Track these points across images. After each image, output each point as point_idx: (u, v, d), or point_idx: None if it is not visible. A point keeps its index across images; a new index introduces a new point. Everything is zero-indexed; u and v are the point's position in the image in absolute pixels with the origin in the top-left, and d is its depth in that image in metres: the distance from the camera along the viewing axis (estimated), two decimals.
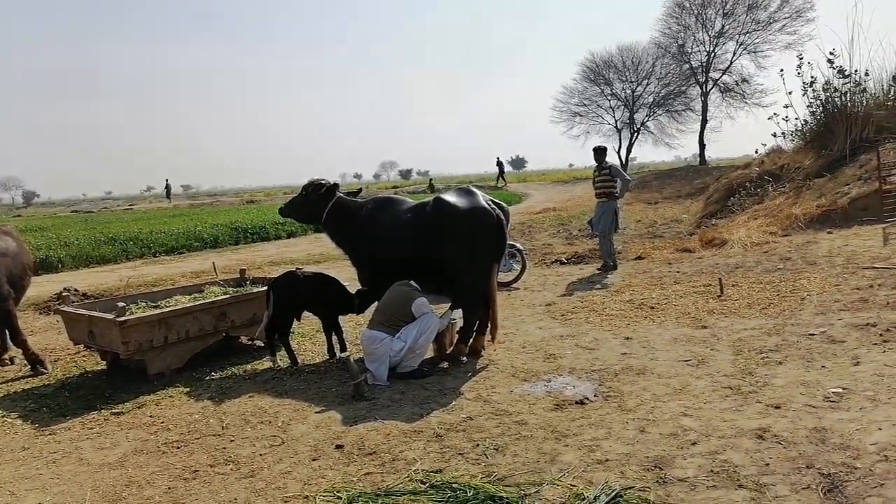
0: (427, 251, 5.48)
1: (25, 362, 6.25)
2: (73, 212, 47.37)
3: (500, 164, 44.30)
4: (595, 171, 10.25)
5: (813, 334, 5.38)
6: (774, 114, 15.77)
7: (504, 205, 5.77)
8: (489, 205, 5.56)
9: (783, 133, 15.93)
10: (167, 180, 51.63)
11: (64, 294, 8.46)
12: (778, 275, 7.82)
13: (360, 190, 6.51)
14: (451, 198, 5.58)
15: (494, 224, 5.49)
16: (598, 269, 9.82)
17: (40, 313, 9.37)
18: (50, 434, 4.57)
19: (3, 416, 4.99)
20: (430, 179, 47.95)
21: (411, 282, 5.42)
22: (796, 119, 15.42)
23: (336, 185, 6.15)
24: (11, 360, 6.65)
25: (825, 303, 6.29)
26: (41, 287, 10.90)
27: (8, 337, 6.45)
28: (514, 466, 3.52)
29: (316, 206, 6.04)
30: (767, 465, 3.25)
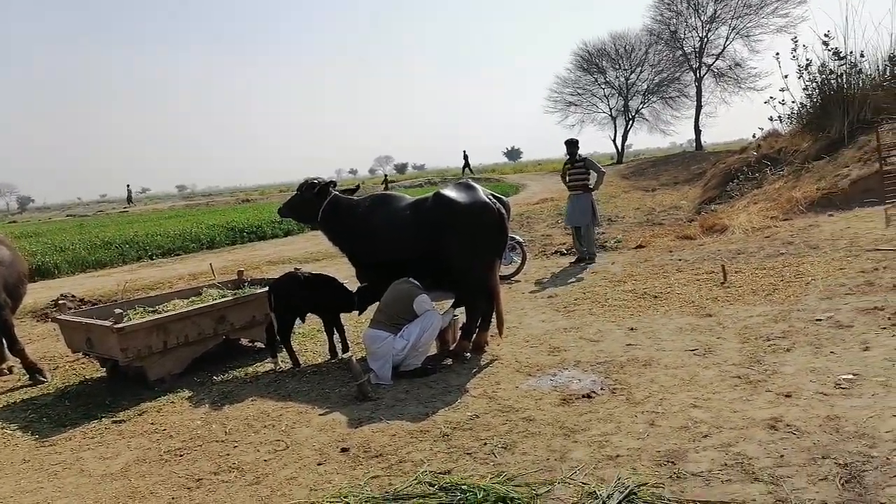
0: (427, 247, 5.40)
1: (24, 371, 6.17)
2: (68, 216, 47.15)
3: (465, 156, 46.00)
4: (567, 164, 10.21)
5: (820, 320, 5.32)
6: (771, 97, 15.70)
7: (504, 198, 5.69)
8: (489, 199, 5.48)
9: (780, 116, 15.88)
10: (128, 185, 54.49)
11: (60, 301, 8.36)
12: (781, 260, 7.76)
13: (358, 187, 6.42)
14: (450, 193, 5.49)
15: (495, 218, 5.41)
16: (572, 263, 9.78)
17: (38, 321, 9.28)
18: (51, 445, 4.49)
19: (2, 428, 4.92)
20: (385, 175, 48.80)
21: (412, 279, 5.34)
22: (793, 102, 15.40)
23: (331, 184, 6.05)
24: (10, 369, 6.57)
25: (830, 287, 6.23)
26: (38, 294, 10.81)
27: (6, 346, 6.37)
28: (524, 465, 3.46)
29: (312, 205, 5.95)
30: (782, 456, 3.19)
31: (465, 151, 45.90)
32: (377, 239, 5.63)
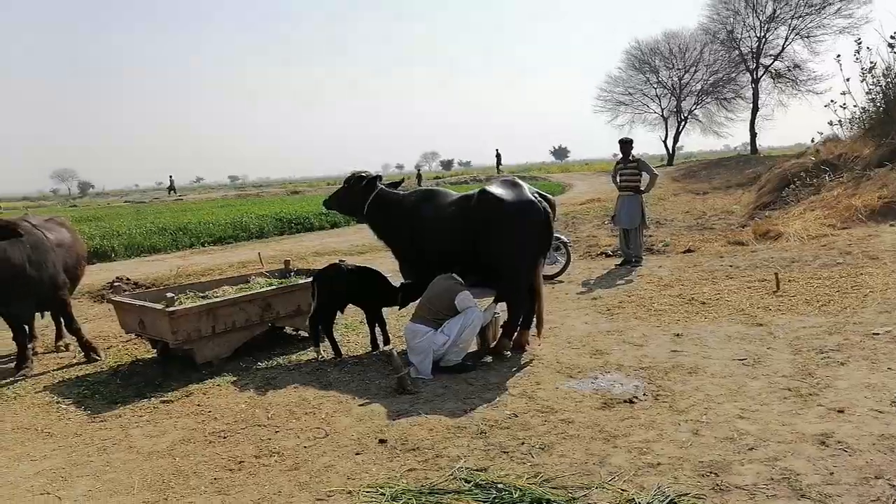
0: (471, 244, 5.40)
1: (80, 349, 6.42)
2: (125, 202, 48.89)
3: (498, 155, 48.49)
4: (619, 164, 10.04)
5: (877, 334, 5.11)
6: (831, 101, 15.11)
7: (550, 197, 5.63)
8: (535, 197, 5.43)
9: (840, 121, 15.26)
10: (171, 176, 56.50)
11: (115, 284, 8.67)
12: (837, 270, 7.47)
13: (403, 181, 6.45)
14: (496, 190, 5.47)
15: (540, 217, 5.36)
16: (618, 265, 9.63)
17: (94, 301, 9.64)
18: (101, 421, 4.66)
19: (57, 402, 5.13)
20: (418, 170, 49.44)
21: (454, 275, 5.34)
22: (854, 106, 14.76)
23: (378, 177, 6.10)
24: (67, 346, 6.85)
25: (890, 300, 5.97)
26: (95, 276, 11.22)
27: (63, 325, 6.64)
28: (562, 467, 3.42)
29: (358, 198, 6.01)
30: (832, 474, 3.08)
31: (497, 150, 47.98)
32: (422, 234, 5.65)
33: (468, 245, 5.42)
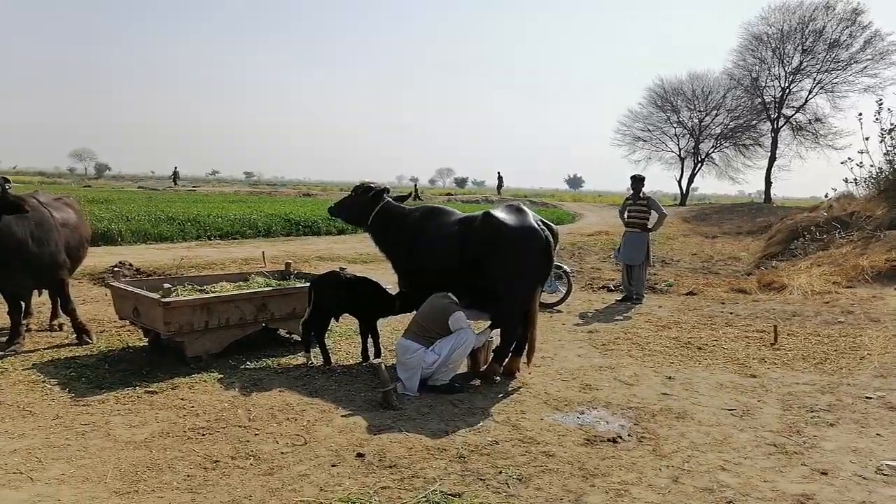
0: (471, 265, 5.39)
1: (72, 331, 6.43)
2: (139, 188, 49.21)
3: (500, 177, 49.76)
4: (629, 200, 10.05)
5: (870, 398, 5.05)
6: (849, 158, 15.08)
7: (553, 226, 5.63)
8: (538, 224, 5.43)
9: (856, 179, 15.22)
10: (175, 167, 58.03)
11: (116, 269, 8.70)
12: (838, 328, 7.42)
13: (410, 195, 6.47)
14: (500, 214, 5.48)
15: (542, 244, 5.36)
16: (618, 301, 9.60)
17: (94, 284, 9.67)
18: (84, 405, 4.65)
19: (43, 381, 5.13)
20: (415, 185, 49.31)
21: (450, 294, 5.34)
22: (871, 166, 14.72)
23: (385, 190, 6.13)
24: (60, 326, 6.87)
25: (886, 365, 5.91)
26: (99, 258, 11.27)
27: (59, 305, 6.66)
28: (536, 501, 3.39)
29: (364, 208, 6.03)
30: None
31: (499, 173, 49.27)
32: (423, 250, 5.66)
33: (467, 266, 5.41)
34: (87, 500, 3.28)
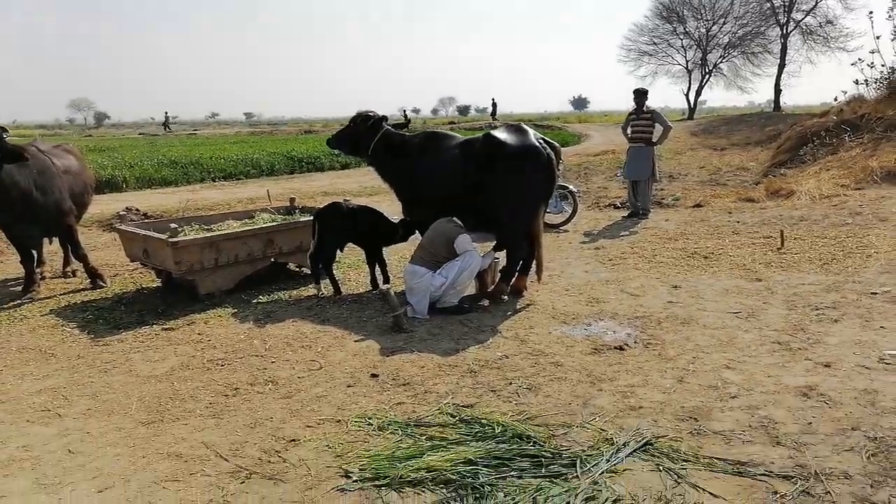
0: (474, 187, 5.38)
1: (86, 275, 6.54)
2: (140, 134, 48.85)
3: (493, 103, 48.12)
4: (632, 114, 9.86)
5: (875, 293, 5.09)
6: (859, 59, 14.60)
7: (555, 144, 5.57)
8: (540, 143, 5.37)
9: (866, 80, 14.78)
10: (166, 113, 56.00)
11: (122, 213, 8.76)
12: (845, 229, 7.40)
13: (409, 122, 6.39)
14: (501, 134, 5.41)
15: (544, 163, 5.32)
16: (625, 217, 9.58)
17: (103, 230, 9.77)
18: (104, 345, 4.80)
19: (62, 325, 5.27)
20: (405, 113, 47.56)
21: (454, 218, 5.35)
22: (882, 66, 14.26)
23: (384, 118, 6.04)
24: (74, 272, 6.99)
25: (893, 261, 5.92)
26: (105, 205, 11.33)
27: (70, 251, 6.76)
28: (546, 407, 3.50)
29: (363, 138, 5.97)
30: (810, 423, 3.13)
31: (493, 99, 47.70)
32: (426, 175, 5.63)
33: (470, 188, 5.39)
34: (113, 431, 3.42)
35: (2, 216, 5.83)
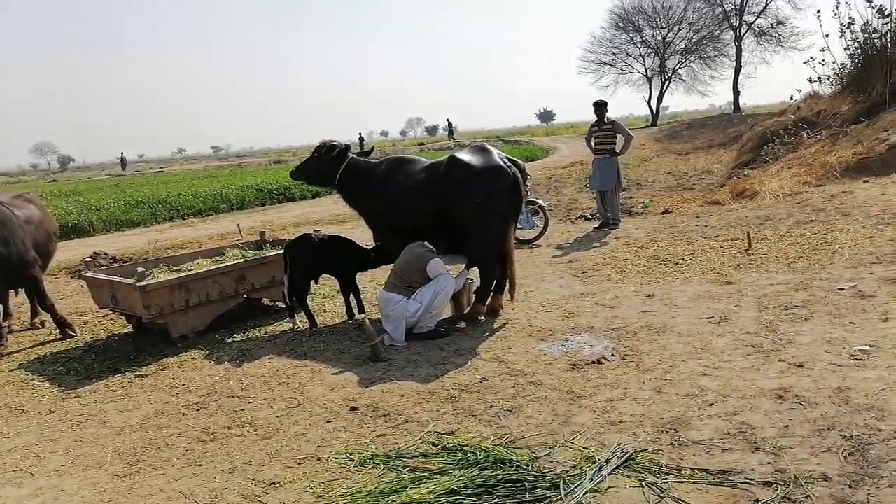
0: (441, 211, 5.40)
1: (55, 325, 6.40)
2: (106, 175, 48.24)
3: (449, 123, 50.54)
4: (594, 127, 10.04)
5: (842, 289, 5.19)
6: (811, 57, 14.99)
7: (519, 161, 5.62)
8: (504, 162, 5.42)
9: (819, 78, 15.19)
10: (122, 153, 59.33)
11: (87, 260, 8.61)
12: (809, 227, 7.55)
13: (372, 149, 6.41)
14: (464, 156, 5.45)
15: (510, 182, 5.36)
16: (595, 228, 9.70)
17: (71, 277, 9.58)
18: (76, 397, 4.68)
19: (32, 380, 5.13)
20: (360, 136, 43.53)
21: (426, 243, 5.35)
22: (833, 63, 14.67)
23: (348, 147, 6.06)
24: (42, 323, 6.83)
25: (857, 256, 6.05)
26: (73, 251, 11.15)
27: (37, 302, 6.61)
28: (527, 428, 3.49)
29: (329, 167, 5.96)
30: (787, 426, 3.16)
31: (448, 120, 50.16)
32: (393, 201, 5.64)
33: (438, 212, 5.41)
34: (89, 487, 3.33)
35: None
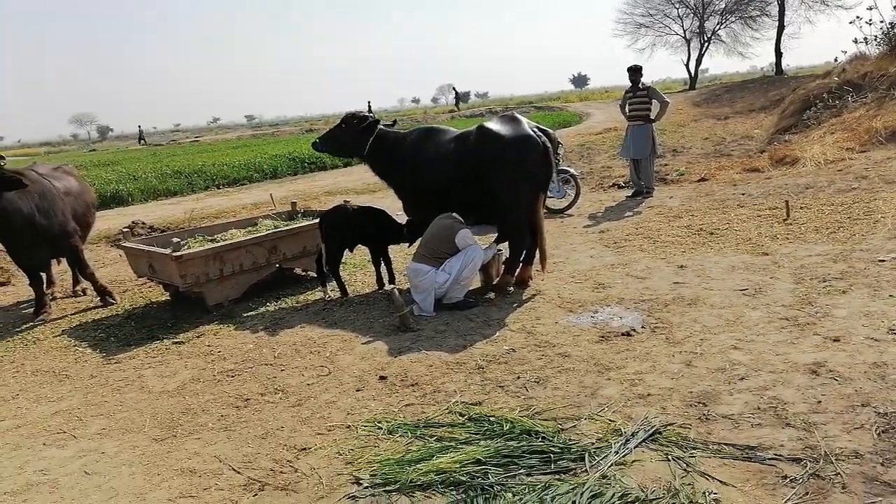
0: (471, 181, 5.36)
1: (96, 294, 6.60)
2: (142, 144, 49.02)
3: (455, 92, 49.34)
4: (628, 93, 9.76)
5: (883, 260, 5.03)
6: (857, 17, 14.34)
7: (549, 131, 5.53)
8: (534, 132, 5.34)
9: (866, 38, 14.52)
10: (139, 126, 56.95)
11: (125, 230, 8.82)
12: (852, 195, 7.31)
13: (395, 121, 6.37)
14: (494, 126, 5.39)
15: (539, 152, 5.29)
16: (628, 196, 9.53)
17: (111, 246, 9.83)
18: (116, 363, 4.85)
19: (74, 345, 5.33)
20: (369, 104, 40.66)
21: (454, 214, 5.34)
22: (881, 22, 14.00)
23: (378, 120, 6.04)
24: (84, 291, 7.06)
25: None
26: (112, 220, 11.41)
27: (77, 270, 6.82)
28: (554, 400, 3.50)
29: (358, 138, 5.95)
30: (819, 402, 3.11)
31: (454, 88, 49.27)
32: (422, 172, 5.62)
33: (468, 183, 5.38)
34: (129, 450, 3.47)
35: (7, 242, 5.90)
